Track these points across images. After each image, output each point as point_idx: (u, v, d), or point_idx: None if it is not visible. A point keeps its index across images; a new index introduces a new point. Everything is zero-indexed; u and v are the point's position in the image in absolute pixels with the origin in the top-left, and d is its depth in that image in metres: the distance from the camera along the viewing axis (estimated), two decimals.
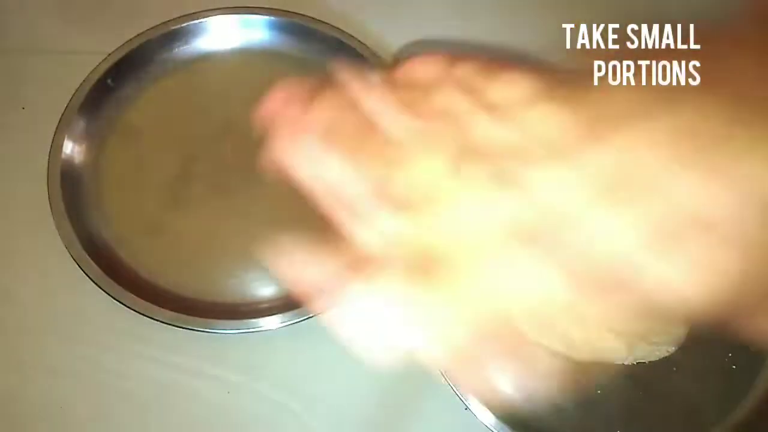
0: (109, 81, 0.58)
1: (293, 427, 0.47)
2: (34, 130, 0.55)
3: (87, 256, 0.50)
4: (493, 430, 0.46)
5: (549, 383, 0.46)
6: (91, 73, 0.57)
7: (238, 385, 0.49)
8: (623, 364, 0.48)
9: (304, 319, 0.49)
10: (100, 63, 0.58)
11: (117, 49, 0.58)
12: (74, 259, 0.50)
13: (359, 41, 0.60)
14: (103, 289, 0.49)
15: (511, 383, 0.48)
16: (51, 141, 0.54)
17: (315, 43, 0.61)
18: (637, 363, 0.48)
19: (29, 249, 0.52)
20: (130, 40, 0.59)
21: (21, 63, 0.61)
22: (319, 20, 0.61)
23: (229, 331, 0.49)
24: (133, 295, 0.49)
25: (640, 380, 0.49)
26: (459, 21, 0.66)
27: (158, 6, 0.62)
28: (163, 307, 0.49)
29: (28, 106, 0.58)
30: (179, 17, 0.60)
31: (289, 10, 0.62)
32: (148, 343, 0.49)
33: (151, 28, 0.60)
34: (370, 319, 0.45)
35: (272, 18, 0.61)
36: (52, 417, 0.47)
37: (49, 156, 0.54)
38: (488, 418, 0.46)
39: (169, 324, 0.48)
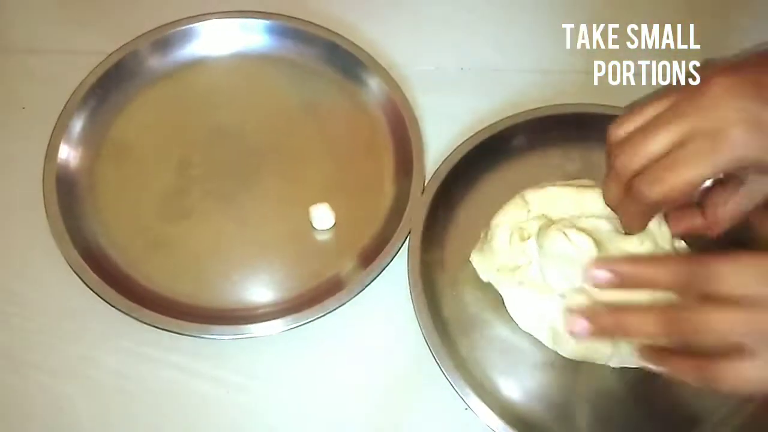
0: (104, 85, 0.58)
1: (293, 427, 0.47)
2: (35, 131, 0.55)
3: (84, 263, 0.50)
4: (493, 430, 0.46)
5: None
6: (87, 76, 0.57)
7: (237, 386, 0.48)
8: (610, 366, 0.48)
9: (303, 324, 0.49)
10: (96, 67, 0.58)
11: (114, 52, 0.58)
12: (71, 267, 0.50)
13: (355, 45, 0.60)
14: (99, 295, 0.49)
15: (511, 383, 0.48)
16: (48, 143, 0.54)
17: (311, 46, 0.61)
18: (624, 368, 0.48)
19: (27, 252, 0.52)
20: (127, 43, 0.59)
21: (21, 63, 0.61)
22: (315, 24, 0.61)
23: (226, 337, 0.49)
24: (129, 302, 0.49)
25: (639, 385, 0.49)
26: (455, 22, 0.66)
27: (158, 7, 0.62)
28: (161, 314, 0.48)
29: (29, 106, 0.58)
30: (176, 21, 0.60)
31: (286, 14, 0.62)
32: (148, 344, 0.49)
33: (149, 31, 0.60)
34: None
35: (269, 21, 0.61)
36: (52, 418, 0.47)
37: (45, 159, 0.54)
38: (488, 418, 0.46)
39: (167, 330, 0.48)
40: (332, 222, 0.54)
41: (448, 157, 0.55)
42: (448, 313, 0.51)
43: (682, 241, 0.49)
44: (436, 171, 0.55)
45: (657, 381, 0.48)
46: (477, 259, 0.51)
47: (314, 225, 0.54)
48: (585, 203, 0.49)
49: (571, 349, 0.48)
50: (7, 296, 0.51)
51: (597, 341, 0.46)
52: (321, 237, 0.54)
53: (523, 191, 0.51)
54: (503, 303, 0.49)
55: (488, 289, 0.50)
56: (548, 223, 0.48)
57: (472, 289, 0.51)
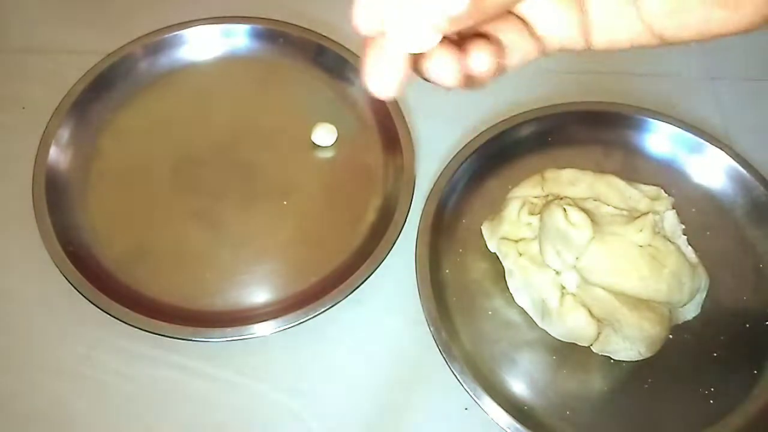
0: (96, 88, 0.58)
1: (293, 427, 0.47)
2: (35, 131, 0.55)
3: (74, 268, 0.49)
4: (492, 430, 0.46)
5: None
6: (79, 80, 0.57)
7: (238, 386, 0.48)
8: (594, 351, 0.49)
9: (303, 321, 0.49)
10: (87, 71, 0.58)
11: (106, 57, 0.59)
12: (62, 274, 0.49)
13: (342, 46, 0.61)
14: (90, 301, 0.49)
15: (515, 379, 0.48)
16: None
17: (298, 49, 0.62)
18: (611, 361, 0.49)
19: (25, 252, 0.52)
20: (118, 49, 0.59)
21: (21, 63, 0.61)
22: (301, 27, 0.62)
23: (226, 340, 0.49)
24: (122, 307, 0.48)
25: (628, 378, 0.49)
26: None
27: (155, 11, 0.63)
28: (156, 319, 0.48)
29: (29, 107, 0.58)
30: (168, 27, 0.61)
31: (272, 18, 0.62)
32: (147, 344, 0.49)
33: (139, 37, 0.60)
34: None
35: (256, 26, 0.62)
36: (52, 418, 0.47)
37: (35, 162, 0.54)
38: (487, 419, 0.46)
39: (163, 335, 0.48)
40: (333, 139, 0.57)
41: (455, 155, 0.56)
42: (449, 281, 0.52)
43: (683, 235, 0.49)
44: (442, 171, 0.55)
45: (645, 377, 0.49)
46: (486, 228, 0.53)
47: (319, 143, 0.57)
48: (598, 188, 0.51)
49: (557, 328, 0.49)
50: (5, 296, 0.51)
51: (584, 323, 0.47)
52: (316, 235, 0.54)
53: (544, 170, 0.52)
54: (505, 276, 0.51)
55: (494, 262, 0.52)
56: (555, 199, 0.49)
57: (478, 260, 0.53)
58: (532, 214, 0.50)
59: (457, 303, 0.51)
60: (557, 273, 0.48)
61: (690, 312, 0.50)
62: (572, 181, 0.51)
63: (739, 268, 0.53)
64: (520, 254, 0.49)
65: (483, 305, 0.51)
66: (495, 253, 0.52)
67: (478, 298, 0.52)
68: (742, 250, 0.54)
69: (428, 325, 0.49)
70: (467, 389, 0.46)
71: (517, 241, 0.50)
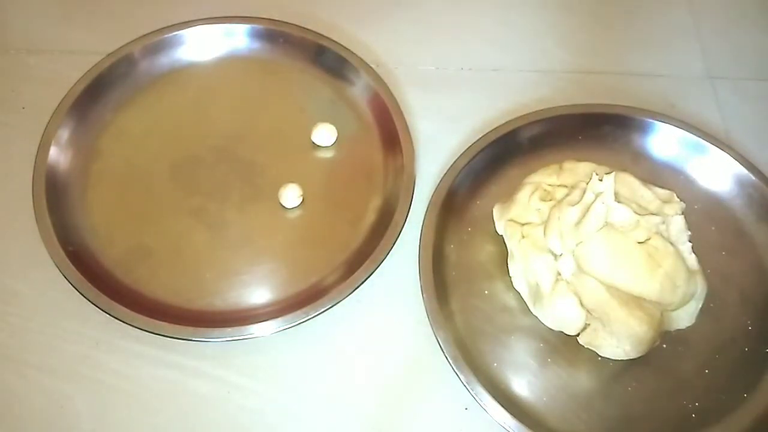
0: (96, 88, 0.58)
1: (293, 427, 0.47)
2: (35, 132, 0.55)
3: (74, 268, 0.49)
4: (492, 430, 0.46)
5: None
6: (79, 80, 0.57)
7: (238, 386, 0.48)
8: (581, 344, 0.49)
9: (303, 321, 0.49)
10: (87, 71, 0.58)
11: (105, 57, 0.59)
12: (62, 273, 0.49)
13: (342, 46, 0.61)
14: (90, 301, 0.49)
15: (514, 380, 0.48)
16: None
17: (298, 49, 0.62)
18: (596, 356, 0.49)
19: (25, 252, 0.52)
20: (117, 49, 0.59)
21: (21, 63, 0.61)
22: (301, 27, 0.62)
23: (226, 340, 0.49)
24: (122, 307, 0.48)
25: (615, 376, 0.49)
26: (455, 22, 0.66)
27: (155, 11, 0.63)
28: (156, 319, 0.48)
29: (29, 107, 0.58)
30: (168, 26, 0.61)
31: (272, 18, 0.62)
32: (148, 344, 0.49)
33: (139, 37, 0.60)
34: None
35: (256, 26, 0.62)
36: (52, 418, 0.47)
37: (35, 162, 0.54)
38: (487, 419, 0.46)
39: (163, 336, 0.48)
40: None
41: (460, 156, 0.56)
42: (451, 255, 0.53)
43: (689, 242, 0.49)
44: (446, 172, 0.55)
45: (630, 380, 0.49)
46: (497, 209, 0.53)
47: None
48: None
49: (547, 314, 0.49)
50: (5, 296, 0.51)
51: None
52: (315, 235, 0.54)
53: (564, 160, 0.53)
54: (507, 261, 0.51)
55: (501, 246, 0.52)
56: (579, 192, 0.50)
57: (486, 242, 0.54)
58: (543, 200, 0.50)
59: (456, 277, 0.52)
60: (555, 258, 0.48)
61: (683, 320, 0.49)
62: (589, 174, 0.51)
63: (749, 293, 0.53)
64: (524, 237, 0.50)
65: (482, 285, 0.52)
66: (502, 236, 0.52)
67: (479, 278, 0.52)
68: (757, 275, 0.53)
69: (421, 291, 0.49)
70: (458, 373, 0.46)
71: (523, 224, 0.50)
